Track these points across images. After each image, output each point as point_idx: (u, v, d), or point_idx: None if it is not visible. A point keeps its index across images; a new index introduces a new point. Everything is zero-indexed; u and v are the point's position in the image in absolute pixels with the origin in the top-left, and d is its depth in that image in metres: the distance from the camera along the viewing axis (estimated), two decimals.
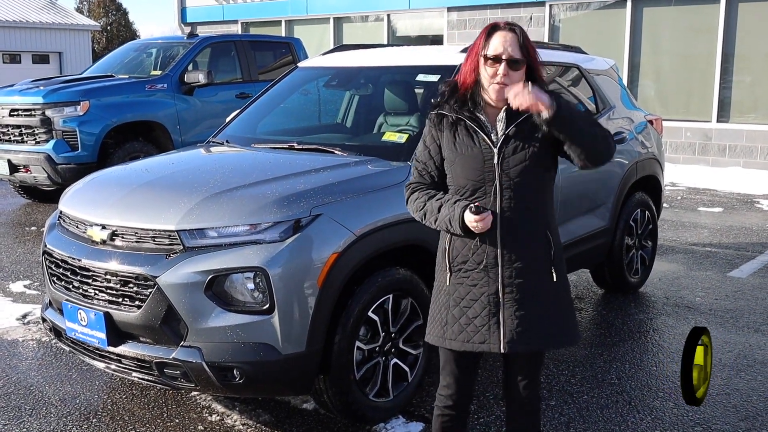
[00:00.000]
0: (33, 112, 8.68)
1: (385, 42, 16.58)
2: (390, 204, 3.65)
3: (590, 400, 3.93)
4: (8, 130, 8.93)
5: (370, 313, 3.54)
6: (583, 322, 5.22)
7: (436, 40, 16.29)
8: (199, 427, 3.66)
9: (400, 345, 3.75)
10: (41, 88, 8.88)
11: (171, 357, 3.28)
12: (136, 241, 3.42)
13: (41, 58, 33.02)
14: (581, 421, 3.71)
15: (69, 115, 8.60)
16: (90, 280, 3.49)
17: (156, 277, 3.25)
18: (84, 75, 10.11)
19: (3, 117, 8.93)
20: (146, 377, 3.44)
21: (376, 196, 3.63)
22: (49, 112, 8.61)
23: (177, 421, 3.73)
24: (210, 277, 3.22)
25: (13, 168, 8.82)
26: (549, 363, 4.43)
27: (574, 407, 3.85)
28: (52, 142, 8.58)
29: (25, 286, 6.03)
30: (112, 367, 3.53)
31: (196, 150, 4.61)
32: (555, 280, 2.68)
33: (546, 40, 14.22)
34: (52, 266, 3.74)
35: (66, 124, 8.58)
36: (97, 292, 3.47)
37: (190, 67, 9.73)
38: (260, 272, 3.21)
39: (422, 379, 3.88)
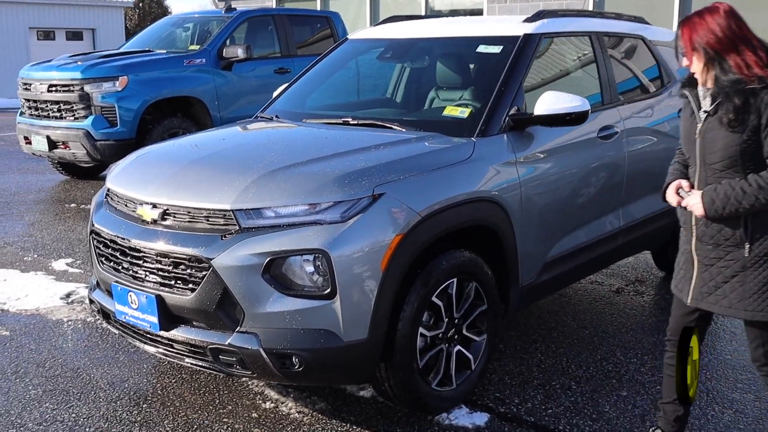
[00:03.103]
0: (71, 88, 8.55)
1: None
2: (455, 182, 3.44)
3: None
4: (47, 106, 8.83)
5: (434, 298, 3.34)
6: (646, 306, 4.98)
7: (476, 13, 15.92)
8: (252, 415, 3.50)
9: (464, 331, 3.55)
10: (79, 63, 8.75)
11: (227, 343, 3.11)
12: (189, 221, 3.25)
13: (75, 35, 33.08)
14: (656, 413, 3.49)
15: (107, 90, 8.47)
16: (140, 262, 3.32)
17: (211, 259, 3.08)
18: (122, 50, 9.98)
19: (41, 93, 8.82)
20: (200, 363, 3.29)
21: (440, 174, 3.42)
22: (87, 88, 8.48)
23: (230, 407, 3.58)
24: (268, 259, 3.04)
25: (52, 144, 8.72)
26: (615, 350, 4.21)
27: (647, 398, 3.63)
28: (90, 118, 8.45)
29: (67, 264, 5.92)
30: (164, 352, 3.38)
31: (246, 125, 4.42)
32: (747, 254, 2.73)
33: (591, 8, 13.77)
34: (100, 246, 3.58)
35: (104, 99, 8.45)
36: (148, 274, 3.31)
37: (228, 42, 9.54)
38: (321, 255, 3.02)
39: (486, 367, 3.69)
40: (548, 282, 4.09)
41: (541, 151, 3.93)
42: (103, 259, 3.57)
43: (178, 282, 3.21)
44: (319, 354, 3.08)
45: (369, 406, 3.58)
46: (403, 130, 3.87)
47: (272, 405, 3.60)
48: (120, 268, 3.44)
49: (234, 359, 3.15)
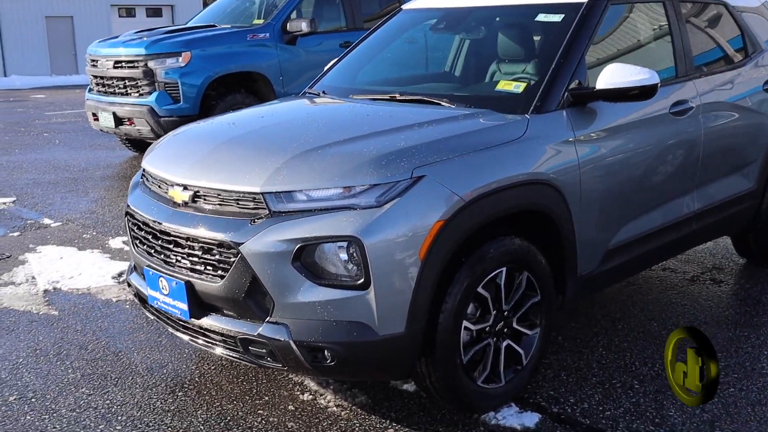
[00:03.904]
0: (136, 64, 8.56)
1: None
2: (505, 163, 3.16)
3: (738, 395, 3.36)
4: (113, 83, 8.88)
5: (479, 289, 3.09)
6: (723, 297, 4.59)
7: None
8: (289, 407, 3.34)
9: (514, 325, 3.29)
10: (144, 39, 8.75)
11: (256, 333, 2.94)
12: (219, 204, 3.07)
13: (155, 11, 33.72)
14: (728, 420, 3.16)
15: (171, 66, 8.43)
16: (171, 246, 3.18)
17: (239, 245, 2.90)
18: (187, 25, 9.94)
19: (107, 69, 8.87)
20: (231, 354, 3.13)
21: (488, 155, 3.14)
22: (151, 64, 8.47)
23: (267, 398, 3.42)
24: (298, 246, 2.84)
25: (118, 121, 8.77)
26: None
27: (718, 402, 3.29)
28: (154, 95, 8.45)
29: (123, 243, 5.89)
30: (196, 340, 3.24)
31: (289, 102, 4.23)
32: None
33: None
34: (135, 228, 3.46)
35: (168, 75, 8.43)
36: (179, 258, 3.16)
37: (293, 16, 9.36)
38: (354, 242, 2.80)
39: (539, 362, 3.42)
40: (611, 271, 3.77)
41: (605, 129, 3.59)
42: (137, 241, 3.45)
43: (208, 268, 3.05)
44: (352, 348, 2.87)
45: (412, 401, 3.36)
46: (453, 106, 3.60)
47: (310, 397, 3.42)
48: (152, 251, 3.31)
49: (264, 351, 2.98)
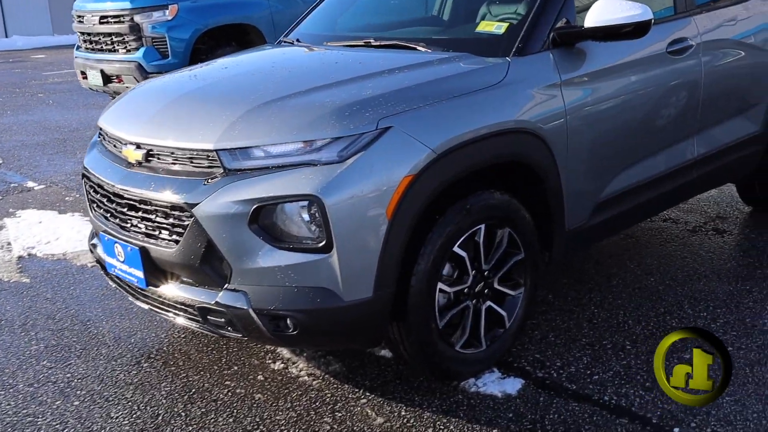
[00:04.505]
0: (122, 19, 8.27)
1: None
2: (481, 111, 2.90)
3: (736, 354, 3.14)
4: (100, 39, 8.59)
5: (455, 249, 2.86)
6: (726, 248, 4.34)
7: None
8: (258, 377, 3.15)
9: (496, 285, 3.07)
10: None
11: (214, 302, 2.74)
12: (173, 163, 2.85)
13: None
14: None
15: (157, 20, 8.15)
16: (125, 209, 2.96)
17: (192, 207, 2.68)
18: None
19: (94, 25, 8.58)
20: (192, 324, 2.93)
21: (464, 102, 2.88)
22: (137, 18, 8.18)
23: (236, 368, 3.24)
24: (255, 207, 2.61)
25: (107, 78, 8.52)
26: (683, 301, 3.64)
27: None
28: (142, 50, 8.18)
29: None
30: (156, 309, 3.04)
31: (258, 51, 3.97)
32: None
33: None
34: (91, 191, 3.25)
35: (155, 30, 8.14)
36: (134, 223, 2.95)
37: None
38: (314, 201, 2.57)
39: (523, 323, 3.21)
40: (603, 224, 3.53)
41: (595, 71, 3.31)
42: (94, 205, 3.24)
43: (163, 233, 2.83)
44: (316, 315, 2.66)
45: (388, 369, 3.17)
46: (429, 51, 3.33)
47: (282, 366, 3.23)
48: (108, 215, 3.10)
49: (223, 320, 2.78)
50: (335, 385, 3.06)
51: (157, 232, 2.85)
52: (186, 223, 2.72)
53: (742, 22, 4.13)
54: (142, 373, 3.23)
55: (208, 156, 2.74)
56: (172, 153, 2.84)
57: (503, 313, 3.10)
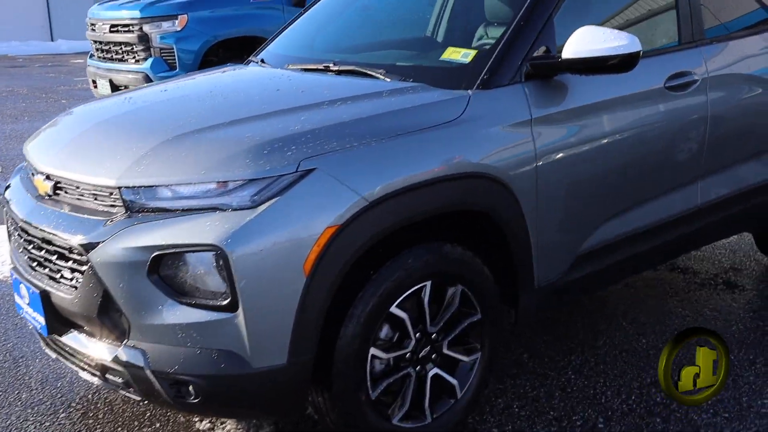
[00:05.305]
0: (131, 28, 8.09)
1: None
2: (429, 152, 2.53)
3: None
4: (110, 48, 8.43)
5: (393, 309, 2.49)
6: (734, 306, 3.85)
7: None
8: None
9: (445, 350, 2.68)
10: (139, 1, 8.24)
11: (110, 358, 2.41)
12: (78, 199, 2.53)
13: None
14: None
15: (166, 30, 7.95)
16: (30, 246, 2.66)
17: (88, 250, 2.35)
18: None
19: (104, 33, 8.42)
20: (94, 379, 2.60)
21: (408, 141, 2.51)
22: (146, 28, 7.98)
23: (157, 426, 2.90)
24: (154, 255, 2.27)
25: (115, 88, 8.32)
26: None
27: None
28: (150, 61, 7.98)
29: None
30: (62, 359, 2.73)
31: (210, 73, 3.65)
32: None
33: None
34: (9, 220, 2.95)
35: (164, 40, 7.94)
36: (39, 262, 2.64)
37: None
38: (218, 252, 2.22)
39: (479, 392, 2.81)
40: (585, 279, 3.11)
41: (575, 108, 2.92)
42: (10, 236, 2.95)
43: (64, 276, 2.52)
44: (220, 382, 2.32)
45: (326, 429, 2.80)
46: (387, 79, 2.96)
47: (208, 426, 2.89)
48: (20, 250, 2.80)
49: (121, 380, 2.45)
50: None
51: (58, 275, 2.54)
52: (83, 268, 2.40)
53: (759, 55, 3.68)
54: (54, 426, 2.91)
55: (111, 193, 2.42)
56: (78, 187, 2.53)
57: (453, 381, 2.71)
